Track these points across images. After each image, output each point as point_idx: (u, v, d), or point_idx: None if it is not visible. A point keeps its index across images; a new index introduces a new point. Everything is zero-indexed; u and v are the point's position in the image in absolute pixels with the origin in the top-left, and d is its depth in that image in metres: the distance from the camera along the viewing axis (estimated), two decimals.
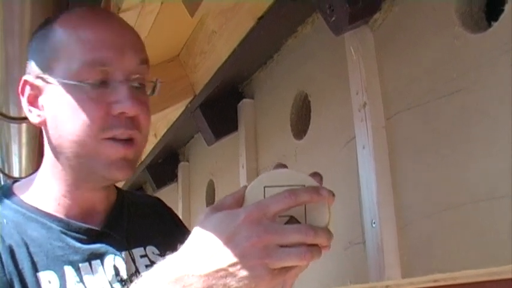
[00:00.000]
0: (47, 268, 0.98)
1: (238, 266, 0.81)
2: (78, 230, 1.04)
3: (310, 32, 1.49)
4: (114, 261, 1.05)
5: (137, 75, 1.03)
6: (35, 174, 1.10)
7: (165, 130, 2.48)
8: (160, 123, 2.54)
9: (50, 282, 0.97)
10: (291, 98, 1.59)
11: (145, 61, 1.05)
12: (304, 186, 0.87)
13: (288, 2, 1.41)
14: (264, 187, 0.89)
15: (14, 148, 2.43)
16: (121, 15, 1.41)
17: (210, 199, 2.30)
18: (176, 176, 2.67)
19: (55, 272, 0.98)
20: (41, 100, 1.04)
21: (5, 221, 0.99)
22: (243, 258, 0.81)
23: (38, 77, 1.03)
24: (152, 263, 1.09)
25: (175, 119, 2.33)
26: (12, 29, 1.39)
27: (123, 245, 1.07)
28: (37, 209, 1.03)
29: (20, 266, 0.96)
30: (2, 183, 3.31)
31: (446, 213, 1.01)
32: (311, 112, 1.49)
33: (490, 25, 0.94)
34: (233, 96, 1.93)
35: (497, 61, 0.91)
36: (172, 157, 2.68)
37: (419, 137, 1.09)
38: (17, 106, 1.91)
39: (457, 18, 1.00)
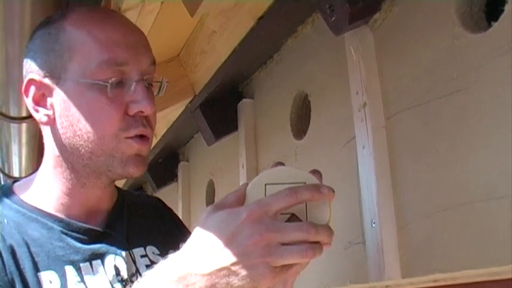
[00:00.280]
0: (48, 268, 0.98)
1: (241, 265, 0.81)
2: (78, 230, 1.04)
3: (310, 32, 1.49)
4: (115, 261, 1.05)
5: (149, 75, 1.05)
6: (35, 174, 1.10)
7: (165, 130, 2.48)
8: (160, 123, 2.54)
9: (51, 282, 0.97)
10: (291, 98, 1.59)
11: (154, 61, 1.06)
12: (304, 183, 0.88)
13: (288, 2, 1.41)
14: (265, 185, 0.89)
15: (14, 148, 2.43)
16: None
17: (210, 199, 2.30)
18: (176, 175, 2.68)
19: (56, 272, 0.98)
20: (49, 99, 1.03)
21: (5, 220, 1.00)
22: (245, 257, 0.81)
23: (46, 76, 1.02)
24: (152, 263, 1.09)
25: (175, 119, 2.33)
26: (13, 28, 1.39)
27: (123, 245, 1.08)
28: (38, 209, 1.03)
29: (21, 266, 0.96)
30: (2, 183, 3.31)
31: (446, 213, 1.01)
32: (311, 112, 1.49)
33: (490, 25, 0.94)
34: (233, 96, 1.93)
35: (497, 61, 0.91)
36: (172, 157, 2.69)
37: (419, 137, 1.09)
38: (17, 106, 1.91)
39: (457, 18, 1.00)
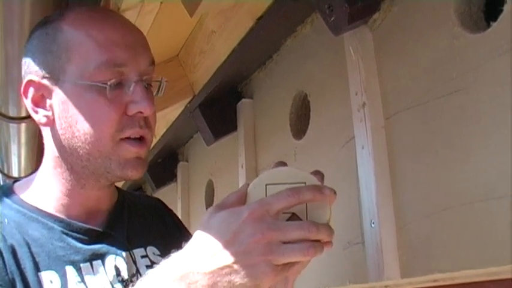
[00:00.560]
0: (48, 268, 0.98)
1: (243, 263, 0.82)
2: (79, 231, 1.04)
3: (309, 32, 1.49)
4: (115, 261, 1.05)
5: (148, 75, 1.04)
6: (35, 174, 1.10)
7: (165, 130, 2.48)
8: (159, 123, 2.53)
9: (51, 282, 0.97)
10: (290, 98, 1.60)
11: (153, 61, 1.06)
12: (305, 183, 0.88)
13: (287, 2, 1.41)
14: (266, 185, 0.90)
15: (13, 148, 2.43)
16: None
17: (209, 199, 2.30)
18: (175, 175, 2.67)
19: (56, 272, 0.98)
20: (48, 101, 1.03)
21: (6, 220, 1.00)
22: (247, 255, 0.82)
23: (44, 78, 1.02)
24: (153, 263, 1.09)
25: (174, 119, 2.33)
26: (12, 29, 1.39)
27: (124, 245, 1.08)
28: (38, 209, 1.03)
29: (22, 266, 0.96)
30: (2, 183, 3.31)
31: (445, 213, 1.01)
32: (310, 112, 1.49)
33: (489, 25, 0.94)
34: (232, 96, 1.93)
35: (496, 61, 0.91)
36: (172, 157, 2.69)
37: (418, 137, 1.09)
38: (17, 106, 1.91)
39: (456, 18, 1.00)
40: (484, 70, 0.93)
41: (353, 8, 1.15)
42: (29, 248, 0.98)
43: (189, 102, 2.14)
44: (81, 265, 1.01)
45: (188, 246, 0.87)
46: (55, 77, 1.01)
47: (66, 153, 1.03)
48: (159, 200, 1.34)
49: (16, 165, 2.68)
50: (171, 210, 1.32)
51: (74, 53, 1.00)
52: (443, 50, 1.02)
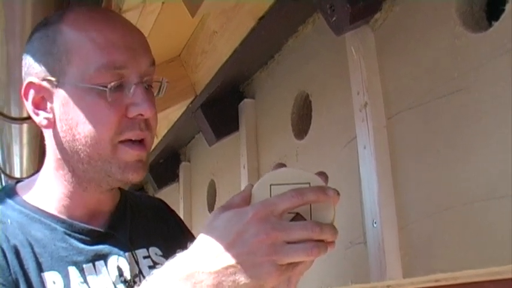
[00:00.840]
0: (51, 269, 0.98)
1: (247, 263, 0.82)
2: (81, 231, 1.04)
3: (311, 32, 1.49)
4: (118, 261, 1.05)
5: (148, 77, 1.04)
6: (37, 175, 1.10)
7: (166, 130, 2.48)
8: (161, 124, 2.53)
9: (54, 282, 0.97)
10: (292, 98, 1.59)
11: (153, 62, 1.05)
12: (309, 184, 0.89)
13: (289, 2, 1.41)
14: (270, 185, 0.91)
15: (15, 149, 2.43)
16: (122, 15, 1.41)
17: (211, 199, 2.30)
18: (177, 176, 2.68)
19: (59, 272, 0.98)
20: (49, 103, 1.02)
21: (9, 221, 1.00)
22: (252, 255, 0.82)
23: (45, 80, 1.01)
24: (155, 264, 1.09)
25: (176, 119, 2.33)
26: (14, 29, 1.39)
27: (126, 246, 1.08)
28: (40, 209, 1.04)
29: (25, 266, 0.96)
30: (4, 183, 3.31)
31: (447, 213, 1.01)
32: (312, 112, 1.49)
33: (490, 25, 0.94)
34: (234, 96, 1.93)
35: (498, 61, 0.91)
36: (174, 157, 2.69)
37: (420, 137, 1.09)
38: (19, 107, 1.91)
39: (457, 17, 1.00)
40: (486, 70, 0.93)
41: (355, 8, 1.15)
42: (32, 249, 0.98)
43: (191, 102, 2.14)
44: (84, 266, 1.01)
45: (193, 247, 0.87)
46: (55, 79, 1.00)
47: (67, 155, 1.03)
48: (161, 200, 1.34)
49: (18, 165, 2.68)
50: (173, 211, 1.32)
51: (74, 55, 0.99)
52: (445, 50, 1.02)
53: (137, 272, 1.07)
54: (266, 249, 0.82)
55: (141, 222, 1.16)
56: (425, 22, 1.08)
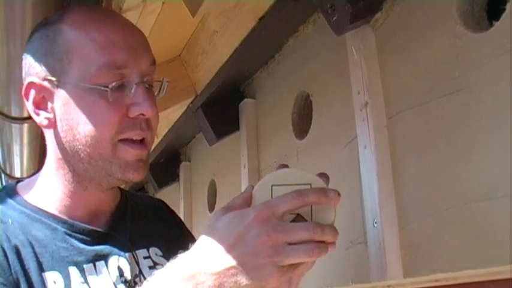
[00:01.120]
0: (52, 269, 0.98)
1: (249, 264, 0.83)
2: (82, 231, 1.04)
3: (311, 31, 1.49)
4: (118, 262, 1.05)
5: (149, 76, 1.04)
6: (37, 175, 1.10)
7: (167, 130, 2.48)
8: (161, 123, 2.53)
9: (55, 282, 0.97)
10: (293, 98, 1.59)
11: (154, 61, 1.05)
12: (310, 185, 0.89)
13: (289, 1, 1.41)
14: (272, 186, 0.91)
15: (16, 148, 2.43)
16: (122, 15, 1.41)
17: (212, 199, 2.30)
18: (178, 176, 2.68)
19: (60, 272, 0.98)
20: (50, 103, 1.02)
21: (10, 221, 1.00)
22: (253, 257, 0.82)
23: (45, 80, 1.01)
24: (155, 264, 1.09)
25: (176, 119, 2.33)
26: (14, 29, 1.39)
27: (126, 246, 1.08)
28: (41, 209, 1.04)
29: (26, 266, 0.96)
30: (4, 183, 3.31)
31: (447, 213, 1.01)
32: (313, 112, 1.49)
33: (491, 24, 0.94)
34: (234, 96, 1.93)
35: (499, 60, 0.91)
36: (174, 157, 2.69)
37: (420, 137, 1.09)
38: (19, 106, 1.91)
39: (458, 17, 1.00)
40: (486, 69, 0.93)
41: (355, 7, 1.15)
42: (33, 249, 0.98)
43: (191, 102, 2.14)
44: (84, 266, 1.01)
45: (195, 247, 0.88)
46: (56, 79, 1.00)
47: (68, 155, 1.03)
48: (161, 201, 1.34)
49: (18, 165, 2.68)
50: (173, 211, 1.32)
51: (74, 55, 0.99)
52: (446, 49, 1.02)
53: (137, 273, 1.07)
54: (267, 250, 0.82)
55: (141, 222, 1.16)
56: (426, 22, 1.08)
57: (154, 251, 1.12)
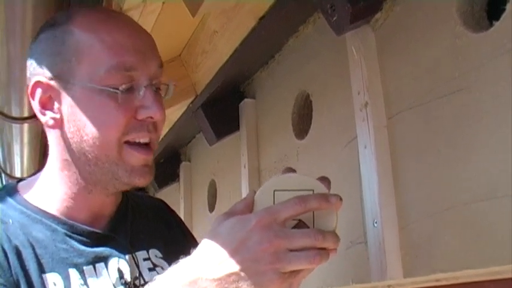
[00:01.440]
0: (52, 270, 0.98)
1: (250, 271, 0.83)
2: (82, 233, 1.03)
3: (311, 31, 1.49)
4: (118, 264, 1.05)
5: (157, 79, 1.04)
6: (39, 174, 1.09)
7: (167, 130, 2.48)
8: None
9: (55, 284, 0.97)
10: (293, 98, 1.59)
11: (162, 64, 1.05)
12: (312, 191, 0.90)
13: (289, 1, 1.41)
14: (274, 191, 0.91)
15: (16, 148, 2.43)
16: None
17: (212, 199, 2.30)
18: (178, 176, 2.68)
19: (60, 274, 0.98)
20: (57, 103, 1.02)
21: (10, 221, 0.99)
22: (255, 263, 0.83)
23: (52, 79, 1.01)
24: (155, 266, 1.09)
25: (176, 119, 2.33)
26: (14, 29, 1.39)
27: (126, 248, 1.08)
28: (42, 210, 1.03)
29: (27, 267, 0.96)
30: (4, 183, 3.31)
31: (447, 213, 1.01)
32: (313, 112, 1.49)
33: (491, 24, 0.94)
34: (235, 96, 1.93)
35: (499, 60, 0.91)
36: (174, 157, 2.69)
37: (420, 137, 1.09)
38: (19, 106, 1.91)
39: (458, 17, 1.00)
40: (486, 69, 0.93)
41: (355, 7, 1.15)
42: (33, 250, 0.98)
43: (192, 102, 2.14)
44: (84, 268, 1.01)
45: (196, 253, 0.88)
46: (64, 79, 1.00)
47: (74, 157, 1.03)
48: (161, 201, 1.34)
49: (19, 165, 2.68)
50: (173, 212, 1.32)
51: (84, 56, 0.99)
52: (446, 50, 1.02)
53: (137, 275, 1.06)
54: (269, 257, 0.83)
55: (142, 223, 1.16)
56: (426, 22, 1.08)
57: (154, 252, 1.12)
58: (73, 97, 1.00)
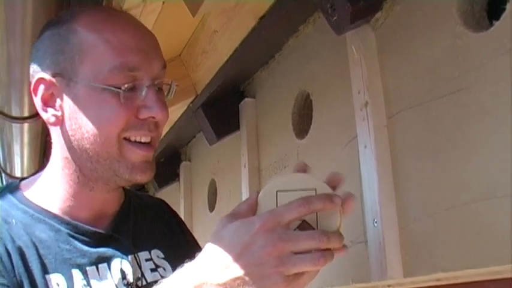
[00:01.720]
0: (55, 271, 0.98)
1: (255, 275, 0.83)
2: (85, 233, 1.04)
3: (311, 31, 1.49)
4: (121, 264, 1.05)
5: (160, 80, 1.04)
6: (40, 173, 1.09)
7: (167, 130, 2.48)
8: None
9: (58, 284, 0.97)
10: (293, 98, 1.59)
11: (165, 65, 1.06)
12: (315, 190, 0.89)
13: (290, 1, 1.41)
14: (277, 192, 0.91)
15: (16, 148, 2.43)
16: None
17: (212, 198, 2.30)
18: (178, 175, 2.68)
19: (63, 274, 0.98)
20: (58, 100, 1.02)
21: (13, 221, 0.99)
22: (259, 267, 0.83)
23: (55, 77, 1.01)
24: (157, 266, 1.09)
25: (177, 119, 2.33)
26: (14, 29, 1.39)
27: (129, 248, 1.08)
28: (44, 209, 1.03)
29: (30, 268, 0.96)
30: (4, 183, 3.31)
31: (447, 213, 1.01)
32: (313, 111, 1.49)
33: (491, 24, 0.94)
34: (235, 96, 1.93)
35: (499, 60, 0.91)
36: (174, 157, 2.69)
37: (420, 136, 1.09)
38: (19, 106, 1.91)
39: (458, 17, 1.00)
40: (487, 69, 0.93)
41: (355, 7, 1.15)
42: (37, 250, 0.98)
43: (192, 102, 2.14)
44: (87, 268, 1.01)
45: (201, 257, 0.88)
46: (67, 77, 1.00)
47: (75, 154, 1.03)
48: (162, 200, 1.34)
49: (19, 165, 2.68)
50: (174, 211, 1.32)
51: (87, 55, 0.99)
52: (446, 49, 1.02)
53: (140, 275, 1.06)
54: (273, 261, 0.83)
55: (144, 224, 1.16)
56: (426, 21, 1.08)
57: (156, 253, 1.12)
58: (75, 95, 1.00)
